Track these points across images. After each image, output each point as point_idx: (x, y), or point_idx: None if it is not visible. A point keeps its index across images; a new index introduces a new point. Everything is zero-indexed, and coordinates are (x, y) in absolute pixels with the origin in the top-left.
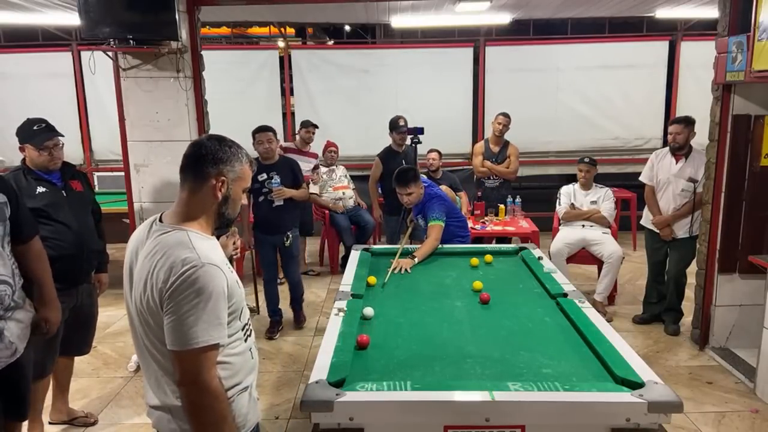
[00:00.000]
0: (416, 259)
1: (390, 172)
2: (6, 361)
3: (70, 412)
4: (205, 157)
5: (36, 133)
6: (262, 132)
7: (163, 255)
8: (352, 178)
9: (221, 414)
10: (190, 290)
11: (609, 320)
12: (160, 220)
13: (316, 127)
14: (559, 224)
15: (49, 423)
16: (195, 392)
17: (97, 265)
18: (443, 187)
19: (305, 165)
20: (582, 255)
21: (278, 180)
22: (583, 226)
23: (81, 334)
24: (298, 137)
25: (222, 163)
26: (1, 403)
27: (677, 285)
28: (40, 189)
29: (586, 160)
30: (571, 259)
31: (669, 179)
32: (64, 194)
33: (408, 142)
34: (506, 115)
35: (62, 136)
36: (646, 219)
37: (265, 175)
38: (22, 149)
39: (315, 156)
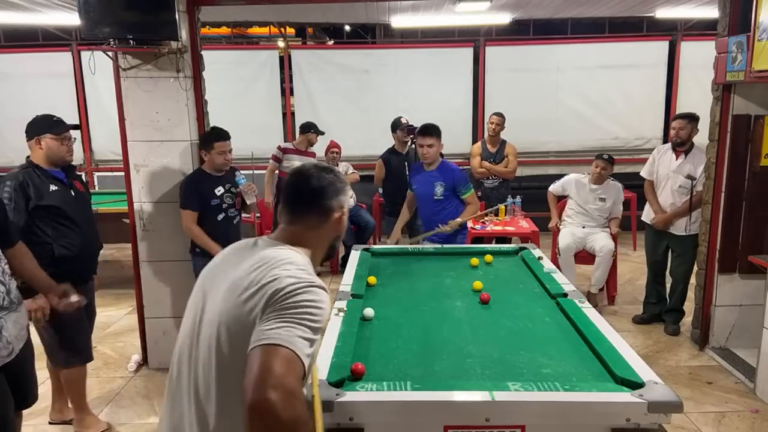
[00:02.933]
0: (459, 220)
1: (392, 174)
2: (2, 361)
3: (70, 412)
4: (326, 190)
5: (56, 122)
6: (224, 141)
7: (286, 263)
8: None
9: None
10: (312, 308)
11: (594, 305)
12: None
13: (322, 133)
14: (561, 222)
15: (49, 423)
16: (280, 396)
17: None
18: None
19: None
20: (582, 255)
21: (243, 177)
22: (584, 227)
23: (90, 332)
24: (303, 138)
25: (342, 194)
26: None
27: (684, 285)
28: (53, 187)
29: (605, 156)
30: None
31: (668, 175)
32: (72, 193)
33: (408, 141)
34: (499, 115)
35: (78, 127)
36: (647, 215)
37: (221, 188)
38: (38, 142)
39: (314, 155)
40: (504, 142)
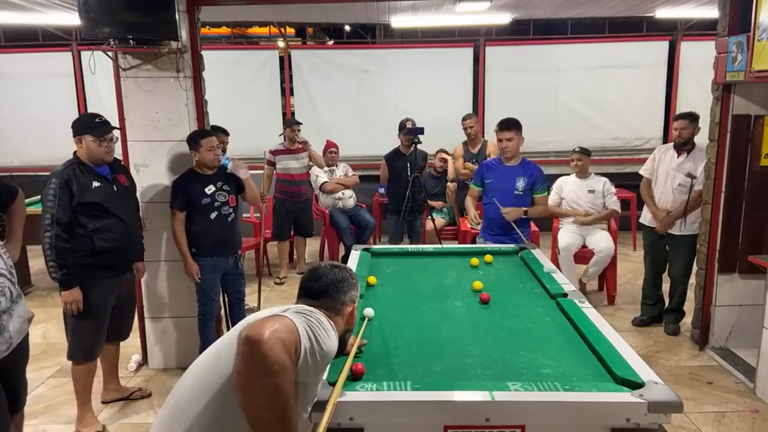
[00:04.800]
0: (528, 213)
1: (396, 174)
2: (2, 354)
3: (125, 389)
4: (340, 285)
5: (98, 125)
6: (209, 137)
7: (306, 307)
8: None
9: (287, 380)
10: (323, 331)
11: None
12: None
13: (300, 123)
14: (559, 221)
15: (102, 402)
16: (273, 340)
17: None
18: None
19: (300, 162)
20: (581, 254)
21: (227, 159)
22: (582, 224)
23: (127, 320)
24: (284, 137)
25: (354, 289)
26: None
27: (682, 285)
28: (96, 183)
29: (577, 149)
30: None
31: (668, 173)
32: (115, 189)
33: (410, 145)
34: (469, 117)
35: (119, 129)
36: (645, 217)
37: (212, 187)
38: (80, 141)
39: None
40: (485, 141)
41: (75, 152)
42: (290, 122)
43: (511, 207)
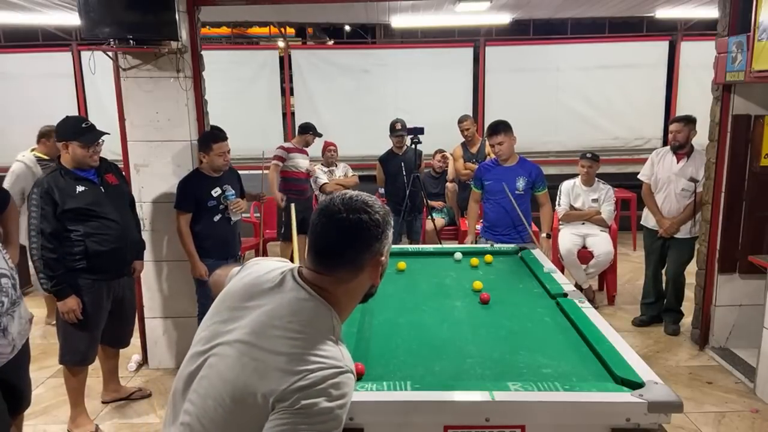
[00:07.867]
0: (550, 233)
1: (391, 174)
2: (7, 357)
3: (125, 390)
4: (357, 240)
5: (85, 130)
6: (222, 141)
7: (305, 341)
8: None
9: None
10: (338, 409)
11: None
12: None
13: (319, 135)
14: (559, 223)
15: (102, 402)
16: None
17: (135, 253)
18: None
19: (306, 161)
20: (582, 255)
21: (233, 192)
22: (583, 223)
23: (126, 328)
24: (301, 139)
25: (377, 240)
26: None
27: (676, 285)
28: (80, 188)
29: (588, 155)
30: None
31: (670, 178)
32: (103, 190)
33: (408, 142)
34: (466, 118)
35: (108, 134)
36: (645, 218)
37: (219, 190)
38: (65, 147)
39: (307, 154)
40: (484, 141)
41: (58, 158)
42: (315, 131)
43: (544, 241)
